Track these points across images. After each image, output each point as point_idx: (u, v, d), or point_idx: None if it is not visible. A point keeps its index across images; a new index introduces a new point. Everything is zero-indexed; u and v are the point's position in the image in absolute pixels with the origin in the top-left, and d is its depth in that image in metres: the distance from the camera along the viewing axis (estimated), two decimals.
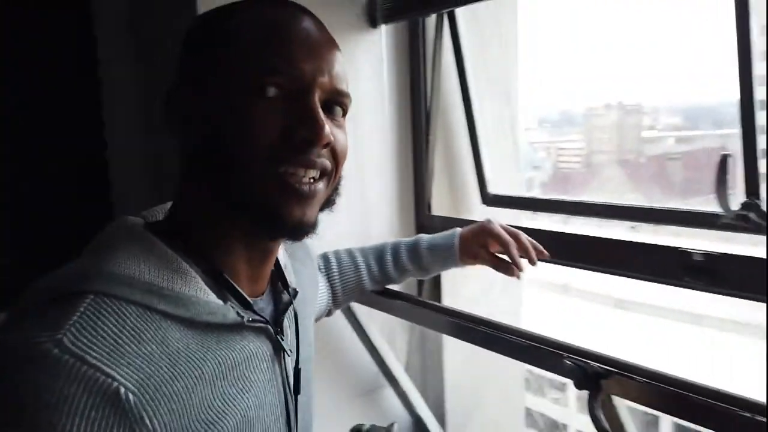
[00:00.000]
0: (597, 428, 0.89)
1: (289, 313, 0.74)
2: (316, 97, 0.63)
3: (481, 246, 1.10)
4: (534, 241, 1.09)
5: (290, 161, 0.62)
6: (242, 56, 0.62)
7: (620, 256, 1.15)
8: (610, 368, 0.90)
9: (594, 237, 1.20)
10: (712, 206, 1.07)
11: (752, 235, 1.02)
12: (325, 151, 0.64)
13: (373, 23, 1.51)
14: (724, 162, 1.03)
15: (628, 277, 1.14)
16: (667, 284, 1.08)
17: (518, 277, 1.07)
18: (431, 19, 1.54)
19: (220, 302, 0.62)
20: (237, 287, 0.66)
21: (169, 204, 0.71)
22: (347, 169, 0.70)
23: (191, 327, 0.59)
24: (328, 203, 0.69)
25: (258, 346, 0.66)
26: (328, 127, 0.62)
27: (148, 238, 0.62)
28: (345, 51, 0.69)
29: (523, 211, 1.54)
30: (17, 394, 0.49)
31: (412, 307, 1.27)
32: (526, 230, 1.12)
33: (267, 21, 0.64)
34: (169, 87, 0.67)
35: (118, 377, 0.51)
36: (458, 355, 1.61)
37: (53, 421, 0.48)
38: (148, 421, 0.52)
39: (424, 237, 1.15)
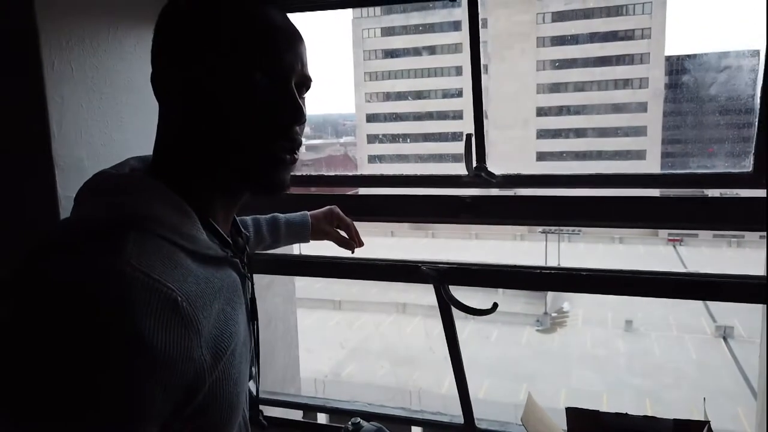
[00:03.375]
0: (451, 304, 1.42)
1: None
2: (293, 83, 0.76)
3: (330, 226, 1.41)
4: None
5: (280, 139, 0.76)
6: (232, 47, 0.73)
7: (418, 206, 1.68)
8: (447, 266, 1.44)
9: (398, 195, 1.70)
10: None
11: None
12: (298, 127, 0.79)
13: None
14: (468, 140, 1.67)
15: (424, 222, 1.68)
16: (449, 222, 1.65)
17: (353, 251, 1.44)
18: None
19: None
20: (219, 229, 0.80)
21: (132, 160, 0.82)
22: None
23: (196, 258, 0.71)
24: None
25: (235, 277, 0.79)
26: (305, 109, 0.77)
27: (161, 186, 0.73)
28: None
29: None
30: (98, 302, 0.59)
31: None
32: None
33: (253, 17, 0.74)
34: (158, 61, 0.76)
35: (175, 289, 0.63)
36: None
37: (132, 318, 0.59)
38: (197, 325, 0.65)
39: (280, 215, 1.37)
